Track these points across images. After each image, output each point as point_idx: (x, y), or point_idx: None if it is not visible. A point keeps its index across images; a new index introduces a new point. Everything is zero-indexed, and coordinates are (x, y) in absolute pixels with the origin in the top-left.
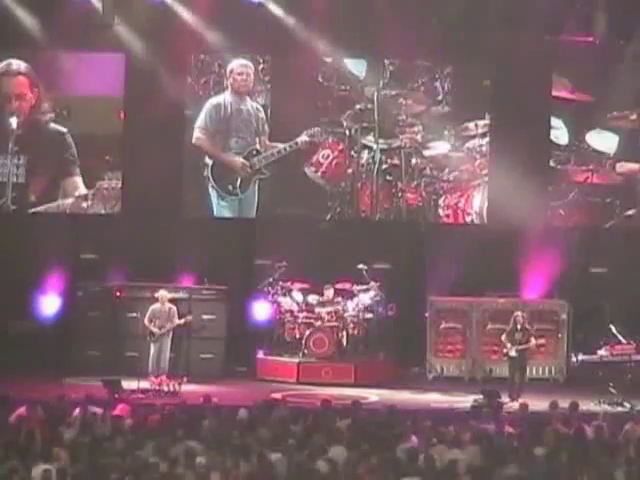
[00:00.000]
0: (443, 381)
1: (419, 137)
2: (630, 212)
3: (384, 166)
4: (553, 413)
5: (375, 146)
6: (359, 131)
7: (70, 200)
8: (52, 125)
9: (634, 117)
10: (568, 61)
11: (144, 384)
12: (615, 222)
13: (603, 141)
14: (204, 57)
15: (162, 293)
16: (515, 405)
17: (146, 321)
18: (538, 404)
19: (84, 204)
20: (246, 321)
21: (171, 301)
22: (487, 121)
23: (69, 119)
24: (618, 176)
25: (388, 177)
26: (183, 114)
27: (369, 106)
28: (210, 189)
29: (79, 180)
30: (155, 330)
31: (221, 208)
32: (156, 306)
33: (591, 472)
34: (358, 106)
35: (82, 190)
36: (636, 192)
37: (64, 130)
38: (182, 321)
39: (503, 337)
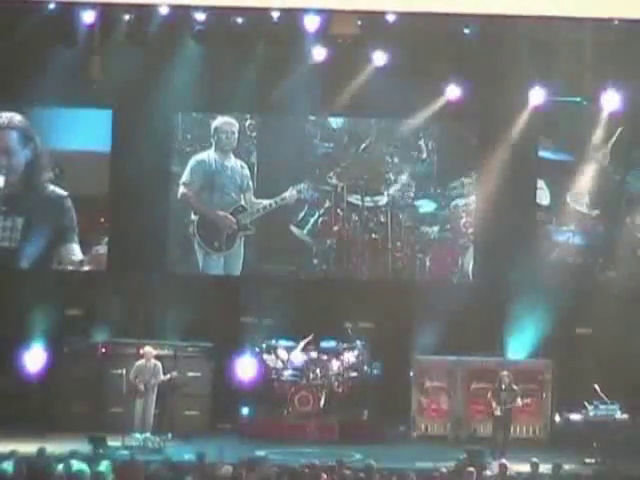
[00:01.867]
0: (427, 440)
1: (405, 195)
2: (612, 273)
3: (370, 224)
4: (535, 473)
5: (361, 204)
6: (345, 189)
7: (64, 267)
8: (51, 187)
9: (617, 178)
10: (552, 121)
11: (129, 441)
12: (596, 283)
13: (584, 201)
14: (190, 113)
15: (147, 350)
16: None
17: (131, 377)
18: (521, 464)
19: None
20: (231, 378)
21: (156, 358)
22: (472, 180)
23: (62, 178)
24: (599, 236)
25: (374, 235)
26: (169, 170)
27: (355, 164)
28: (196, 246)
29: (76, 247)
30: (140, 386)
31: (207, 265)
32: (141, 362)
33: None
34: (344, 164)
35: (78, 257)
36: (616, 253)
37: (64, 194)
38: (167, 377)
39: (489, 396)
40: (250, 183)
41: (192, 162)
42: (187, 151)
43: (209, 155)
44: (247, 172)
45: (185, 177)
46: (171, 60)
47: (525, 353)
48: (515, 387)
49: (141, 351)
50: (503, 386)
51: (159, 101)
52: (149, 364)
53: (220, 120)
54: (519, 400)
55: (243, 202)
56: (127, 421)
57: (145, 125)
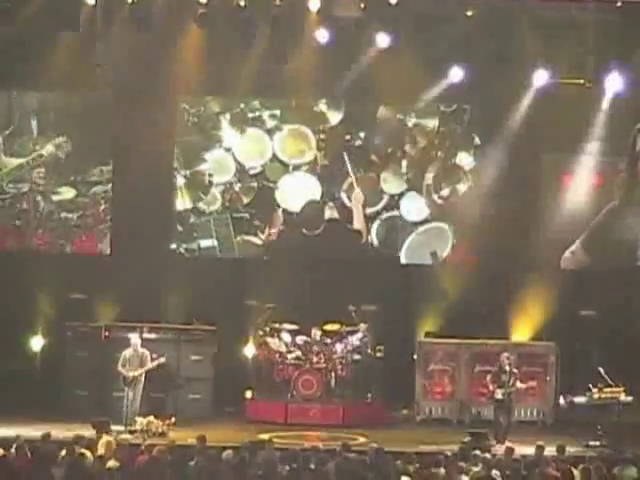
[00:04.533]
0: (431, 423)
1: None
2: (615, 255)
3: None
4: (541, 456)
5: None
6: None
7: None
8: None
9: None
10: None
11: (132, 425)
12: (598, 264)
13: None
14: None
15: (134, 340)
16: (501, 448)
17: (119, 366)
18: (526, 447)
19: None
20: (235, 362)
21: (160, 341)
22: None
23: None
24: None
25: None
26: (172, 152)
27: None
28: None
29: None
30: (127, 375)
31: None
32: (128, 351)
33: None
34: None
35: None
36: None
37: None
38: (154, 364)
39: (487, 378)
40: None
41: None
42: (189, 132)
43: None
44: None
45: None
46: (172, 45)
47: (529, 336)
48: (515, 370)
49: (131, 338)
50: (507, 368)
51: (161, 84)
52: (136, 353)
53: None
54: (519, 383)
55: None
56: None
57: (147, 108)
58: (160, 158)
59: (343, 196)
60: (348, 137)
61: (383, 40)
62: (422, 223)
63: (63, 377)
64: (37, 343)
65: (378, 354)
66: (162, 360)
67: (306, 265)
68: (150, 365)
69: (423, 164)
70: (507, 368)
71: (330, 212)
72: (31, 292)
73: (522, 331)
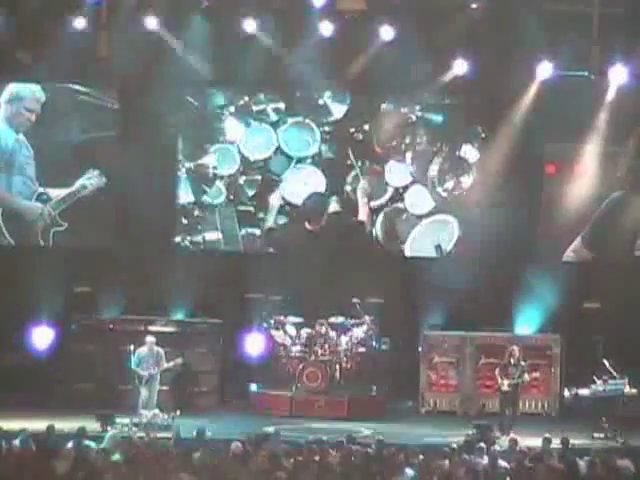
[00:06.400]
0: (436, 415)
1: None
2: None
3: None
4: (546, 448)
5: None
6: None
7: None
8: None
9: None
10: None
11: (137, 418)
12: (603, 255)
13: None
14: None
15: (149, 339)
16: (506, 440)
17: (133, 365)
18: (531, 439)
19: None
20: (240, 355)
21: (165, 334)
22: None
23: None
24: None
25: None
26: (176, 145)
27: None
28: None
29: None
30: (143, 374)
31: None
32: (143, 350)
33: None
34: None
35: None
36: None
37: None
38: (171, 364)
39: (497, 371)
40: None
41: None
42: (194, 125)
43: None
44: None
45: None
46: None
47: (534, 328)
48: (523, 363)
49: (147, 339)
50: (512, 360)
51: (165, 77)
52: (152, 352)
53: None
54: (526, 376)
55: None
56: (135, 398)
57: (152, 100)
58: (164, 151)
59: (348, 189)
60: (352, 130)
61: (387, 33)
62: (427, 216)
63: (68, 370)
64: (43, 336)
65: (383, 347)
66: (179, 361)
67: (311, 258)
68: (166, 365)
69: (428, 157)
70: (513, 360)
71: (334, 205)
72: (36, 285)
73: (526, 323)
